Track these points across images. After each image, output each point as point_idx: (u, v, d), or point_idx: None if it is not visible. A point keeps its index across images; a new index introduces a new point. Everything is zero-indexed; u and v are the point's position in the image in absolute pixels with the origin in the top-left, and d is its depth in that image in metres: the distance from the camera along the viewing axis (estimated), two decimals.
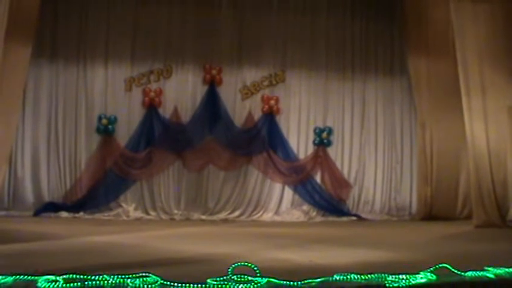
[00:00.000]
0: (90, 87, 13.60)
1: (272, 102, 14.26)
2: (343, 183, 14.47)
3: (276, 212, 14.11)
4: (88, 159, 13.48)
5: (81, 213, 13.11)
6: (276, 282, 6.14)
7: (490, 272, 6.82)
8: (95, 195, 13.32)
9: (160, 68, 13.86)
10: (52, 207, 13.16)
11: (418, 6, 14.32)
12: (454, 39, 13.05)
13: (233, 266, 6.43)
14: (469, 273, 6.75)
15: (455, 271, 6.74)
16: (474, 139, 12.73)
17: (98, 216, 13.09)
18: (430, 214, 14.25)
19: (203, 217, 13.58)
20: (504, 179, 12.49)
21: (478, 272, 6.79)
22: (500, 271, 6.87)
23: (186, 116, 13.89)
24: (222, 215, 13.73)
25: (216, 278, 6.17)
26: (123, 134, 13.62)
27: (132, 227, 11.56)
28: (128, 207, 13.46)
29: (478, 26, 12.69)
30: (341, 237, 10.74)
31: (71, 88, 13.54)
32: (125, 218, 13.19)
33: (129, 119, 13.64)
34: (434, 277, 6.51)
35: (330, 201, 14.19)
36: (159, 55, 13.87)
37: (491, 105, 12.70)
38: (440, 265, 6.80)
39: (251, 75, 14.29)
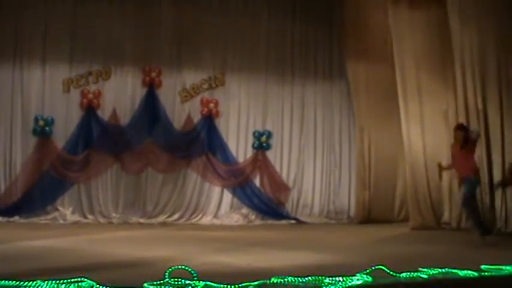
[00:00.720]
0: (27, 88, 13.38)
1: (211, 105, 14.28)
2: (282, 187, 14.55)
3: (215, 215, 14.11)
4: (24, 161, 13.26)
5: (16, 217, 12.88)
6: (213, 286, 6.12)
7: (424, 273, 6.94)
8: (31, 198, 13.09)
9: (99, 69, 13.73)
10: None
11: (357, 11, 14.50)
12: (392, 44, 13.24)
13: (170, 269, 6.39)
14: (404, 275, 6.84)
15: (391, 273, 6.83)
16: (411, 143, 12.98)
17: (34, 220, 12.89)
18: (368, 217, 14.43)
19: (141, 220, 13.51)
20: (439, 183, 12.69)
21: (412, 273, 6.90)
22: (434, 271, 7.01)
23: (124, 119, 13.80)
24: (161, 219, 13.66)
25: (153, 281, 6.12)
26: (61, 136, 13.45)
27: (69, 231, 11.39)
28: (65, 211, 13.28)
29: (415, 31, 12.93)
30: (280, 240, 10.77)
31: (6, 88, 13.29)
32: (62, 221, 13.02)
33: (66, 121, 13.48)
34: (370, 279, 6.57)
35: (269, 205, 14.24)
36: (98, 56, 13.73)
37: (427, 110, 12.95)
38: (376, 267, 6.87)
39: (191, 77, 14.25)
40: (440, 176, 11.02)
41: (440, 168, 10.76)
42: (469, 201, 10.27)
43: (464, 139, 10.23)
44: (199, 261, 7.88)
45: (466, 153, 10.29)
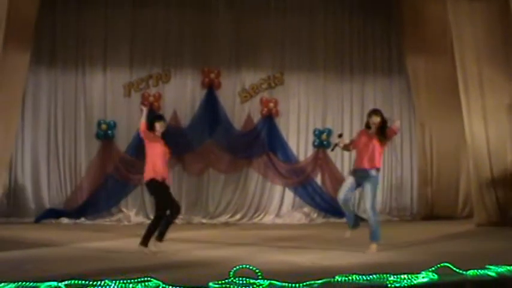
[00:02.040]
0: (89, 93, 13.62)
1: (271, 104, 14.28)
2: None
3: (277, 215, 14.13)
4: (88, 164, 13.51)
5: (82, 219, 13.13)
6: (277, 285, 6.14)
7: (492, 271, 6.84)
8: (96, 200, 13.32)
9: (159, 72, 13.88)
10: (53, 213, 13.15)
11: (415, 5, 14.32)
12: (452, 37, 13.06)
13: (235, 268, 6.45)
14: (471, 272, 6.77)
15: (457, 270, 6.76)
16: (474, 138, 12.73)
17: (99, 221, 13.13)
18: (431, 214, 14.29)
19: (204, 221, 13.61)
20: (504, 178, 12.46)
21: (479, 271, 6.81)
22: (502, 269, 6.89)
23: (185, 120, 13.90)
24: (223, 219, 13.75)
25: (218, 281, 6.18)
26: (123, 139, 13.63)
27: (133, 232, 11.32)
28: (129, 212, 13.49)
29: (476, 23, 12.67)
30: (342, 239, 10.47)
31: (69, 94, 13.56)
32: (126, 223, 13.22)
33: (128, 124, 13.61)
34: (436, 276, 6.53)
35: (330, 203, 14.05)
36: (158, 60, 13.89)
37: (490, 104, 12.67)
38: (442, 264, 6.82)
39: (250, 78, 14.29)
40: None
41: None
42: None
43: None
44: (263, 260, 7.88)
45: None
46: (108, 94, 13.70)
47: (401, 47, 14.77)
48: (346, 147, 9.46)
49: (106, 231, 11.81)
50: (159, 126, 8.98)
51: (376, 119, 8.98)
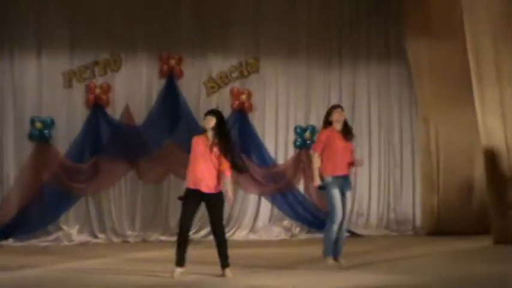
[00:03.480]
0: (19, 84, 13.29)
1: (243, 97, 14.21)
2: None
3: (252, 229, 14.12)
4: (19, 172, 13.20)
5: (10, 240, 12.82)
6: None
7: None
8: (28, 216, 13.01)
9: (107, 58, 13.67)
10: None
11: None
12: (462, 17, 12.89)
13: None
14: None
15: None
16: (489, 136, 12.57)
17: (32, 242, 12.84)
18: (439, 228, 14.20)
19: (163, 238, 13.43)
20: None
21: None
22: None
23: (140, 117, 13.75)
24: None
25: None
26: (63, 140, 13.39)
27: (75, 254, 11.38)
28: (71, 230, 13.24)
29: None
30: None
31: None
32: (66, 243, 12.98)
33: (69, 122, 13.41)
34: None
35: (316, 215, 14.06)
36: (105, 43, 13.67)
37: (509, 96, 12.51)
38: None
39: (217, 65, 14.23)
40: None
41: None
42: None
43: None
44: (233, 286, 8.10)
45: None
46: (43, 85, 13.39)
47: (400, 28, 14.78)
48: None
49: (40, 254, 11.56)
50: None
51: (340, 115, 9.71)
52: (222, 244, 8.89)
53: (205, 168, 8.74)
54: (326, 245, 9.51)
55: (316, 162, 9.56)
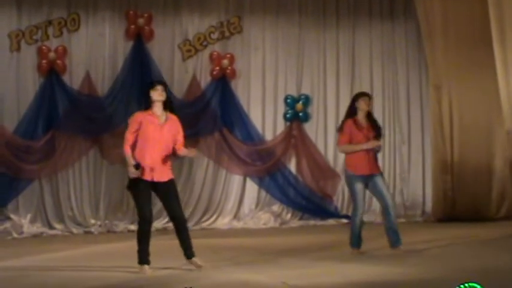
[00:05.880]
0: None
1: (225, 62, 14.23)
2: (327, 173, 14.49)
3: (236, 216, 14.20)
4: None
5: None
6: None
7: None
8: None
9: (63, 16, 13.61)
10: None
11: None
12: None
13: None
14: None
15: None
16: None
17: None
18: (452, 213, 14.29)
19: (132, 227, 13.28)
20: None
21: None
22: None
23: (103, 86, 13.79)
24: (159, 224, 13.45)
25: None
26: (11, 114, 13.36)
27: (27, 248, 11.33)
28: (21, 220, 13.17)
29: None
30: (326, 248, 10.77)
31: None
32: (16, 235, 12.89)
33: (18, 92, 13.37)
34: None
35: (310, 199, 14.23)
36: None
37: None
38: (469, 284, 6.70)
39: (194, 24, 14.26)
40: None
41: None
42: None
43: None
44: (216, 280, 8.10)
45: None
46: None
47: None
48: None
49: None
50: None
51: (367, 104, 10.05)
52: (185, 230, 8.98)
53: (156, 155, 8.77)
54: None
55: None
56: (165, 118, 8.85)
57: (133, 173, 8.58)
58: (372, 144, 9.82)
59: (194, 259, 8.83)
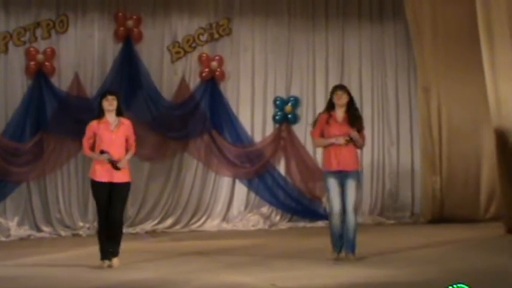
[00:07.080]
0: None
1: (214, 64, 14.19)
2: (316, 175, 14.29)
3: (225, 218, 14.18)
4: None
5: None
6: None
7: None
8: None
9: (51, 18, 13.57)
10: None
11: None
12: None
13: None
14: None
15: None
16: (500, 107, 12.53)
17: None
18: (441, 214, 14.32)
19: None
20: None
21: None
22: None
23: (91, 87, 13.72)
24: (148, 226, 13.62)
25: None
26: None
27: (14, 252, 11.29)
28: (9, 222, 13.12)
29: None
30: (316, 250, 10.67)
31: None
32: (3, 238, 12.84)
33: (6, 94, 13.31)
34: None
35: (299, 200, 14.24)
36: (48, 0, 13.55)
37: None
38: (457, 285, 6.69)
39: (183, 26, 14.23)
40: None
41: None
42: None
43: None
44: (205, 283, 8.09)
45: None
46: None
47: None
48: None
49: None
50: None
51: (338, 98, 9.82)
52: (119, 235, 9.59)
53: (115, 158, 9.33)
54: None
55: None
56: (118, 123, 9.49)
57: (104, 157, 9.24)
58: (340, 139, 9.61)
59: (115, 259, 9.42)
